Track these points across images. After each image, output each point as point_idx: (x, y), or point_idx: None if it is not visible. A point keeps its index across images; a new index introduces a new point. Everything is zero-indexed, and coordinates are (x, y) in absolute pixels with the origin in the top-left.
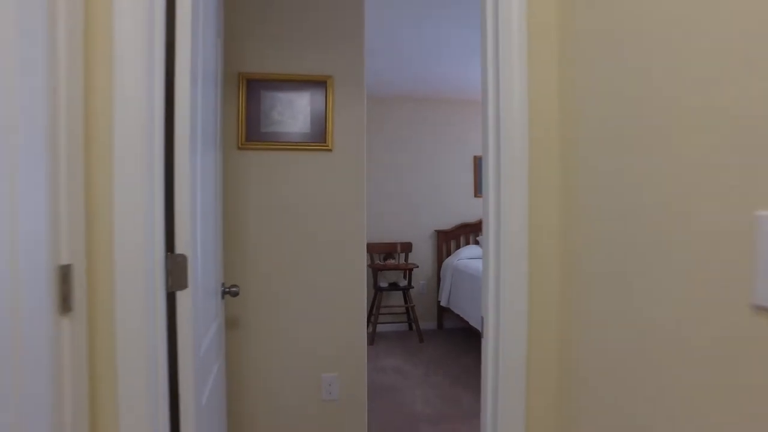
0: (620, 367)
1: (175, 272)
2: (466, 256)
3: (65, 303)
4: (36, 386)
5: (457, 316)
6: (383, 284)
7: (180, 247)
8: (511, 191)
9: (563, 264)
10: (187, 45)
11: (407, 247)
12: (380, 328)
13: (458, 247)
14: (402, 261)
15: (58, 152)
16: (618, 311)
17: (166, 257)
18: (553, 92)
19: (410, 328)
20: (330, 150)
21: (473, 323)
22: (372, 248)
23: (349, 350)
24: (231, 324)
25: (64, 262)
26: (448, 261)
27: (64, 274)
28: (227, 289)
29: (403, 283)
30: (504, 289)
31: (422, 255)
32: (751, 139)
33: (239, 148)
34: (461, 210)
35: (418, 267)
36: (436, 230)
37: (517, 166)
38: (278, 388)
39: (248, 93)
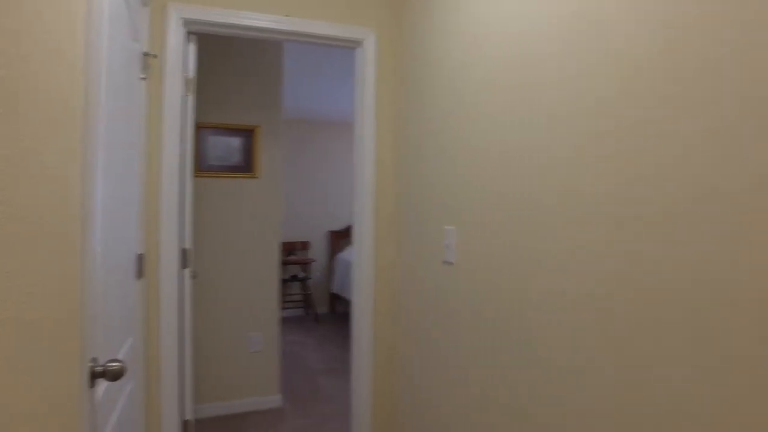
0: (411, 277)
1: (183, 258)
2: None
3: (140, 273)
4: (129, 309)
5: (346, 301)
6: (285, 277)
7: (186, 244)
8: (364, 186)
9: (396, 241)
10: (191, 125)
11: (306, 245)
12: (283, 314)
13: (348, 244)
14: (301, 256)
15: (142, 198)
16: (405, 262)
17: (180, 250)
18: (391, 126)
19: (306, 314)
20: (257, 177)
21: None
22: None
23: (267, 318)
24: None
25: (140, 252)
26: (340, 255)
27: (140, 258)
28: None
29: (302, 275)
30: (360, 260)
31: (318, 251)
32: (442, 200)
33: (195, 176)
34: (349, 214)
35: (315, 261)
36: (329, 231)
37: (368, 168)
38: (223, 343)
39: (199, 136)
